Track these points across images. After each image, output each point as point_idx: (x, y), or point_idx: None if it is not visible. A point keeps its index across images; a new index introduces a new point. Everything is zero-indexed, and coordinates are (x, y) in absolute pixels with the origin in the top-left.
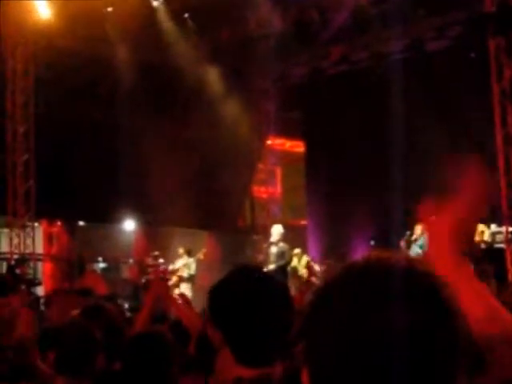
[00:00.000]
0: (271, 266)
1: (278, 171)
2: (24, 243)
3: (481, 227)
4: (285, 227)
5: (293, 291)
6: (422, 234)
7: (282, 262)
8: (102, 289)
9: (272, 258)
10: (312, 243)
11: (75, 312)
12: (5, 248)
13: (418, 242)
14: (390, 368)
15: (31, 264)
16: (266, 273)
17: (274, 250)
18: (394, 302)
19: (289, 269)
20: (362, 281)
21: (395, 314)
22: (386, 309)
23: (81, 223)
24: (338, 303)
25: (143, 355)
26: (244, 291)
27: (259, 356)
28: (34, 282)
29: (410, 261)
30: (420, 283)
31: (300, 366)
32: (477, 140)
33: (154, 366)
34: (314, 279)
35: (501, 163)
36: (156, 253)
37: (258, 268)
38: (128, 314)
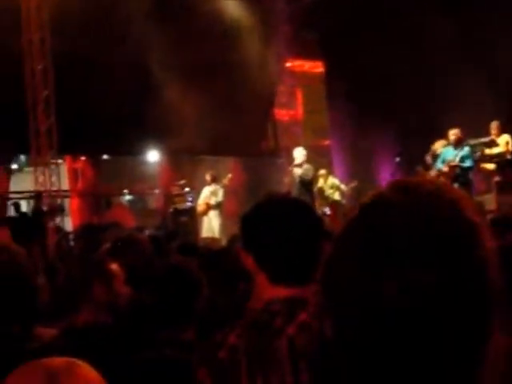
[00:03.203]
0: (297, 188)
1: (299, 93)
2: (49, 181)
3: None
4: (308, 149)
5: (319, 212)
6: (444, 147)
7: (307, 184)
8: (129, 221)
9: (297, 179)
10: (337, 163)
11: (106, 245)
12: (30, 186)
13: (440, 156)
14: (410, 332)
15: (59, 201)
16: (295, 198)
17: (298, 171)
18: (412, 256)
19: (315, 190)
20: (375, 228)
21: (413, 270)
22: (402, 264)
23: (105, 157)
24: (351, 258)
25: (175, 287)
26: (276, 215)
27: (292, 275)
28: (62, 209)
29: (440, 198)
30: (448, 228)
31: None
32: None
33: (183, 298)
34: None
35: None
36: (182, 182)
37: (287, 195)
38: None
